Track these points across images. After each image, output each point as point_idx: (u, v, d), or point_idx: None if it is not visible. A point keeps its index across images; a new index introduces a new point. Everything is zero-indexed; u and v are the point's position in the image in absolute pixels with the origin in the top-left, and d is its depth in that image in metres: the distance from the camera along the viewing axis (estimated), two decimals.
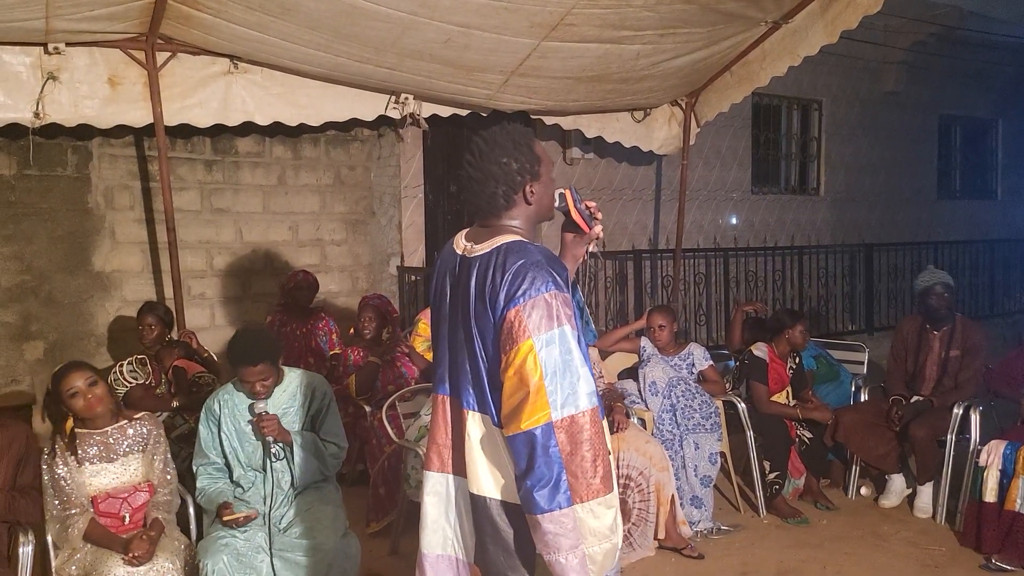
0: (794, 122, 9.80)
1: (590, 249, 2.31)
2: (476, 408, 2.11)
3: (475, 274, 2.09)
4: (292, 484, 3.44)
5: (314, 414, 3.51)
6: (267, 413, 3.34)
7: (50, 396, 3.36)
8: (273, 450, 3.34)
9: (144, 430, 3.38)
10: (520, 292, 1.98)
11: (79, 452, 3.25)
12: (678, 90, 6.45)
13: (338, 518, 3.40)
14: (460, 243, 2.22)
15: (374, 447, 4.69)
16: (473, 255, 2.13)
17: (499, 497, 2.09)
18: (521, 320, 1.96)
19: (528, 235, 2.16)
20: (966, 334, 5.03)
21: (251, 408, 3.35)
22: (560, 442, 1.94)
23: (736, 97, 6.31)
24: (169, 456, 3.45)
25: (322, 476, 3.50)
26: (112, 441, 3.32)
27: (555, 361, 1.95)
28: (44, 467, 3.23)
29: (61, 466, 3.21)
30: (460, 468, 2.16)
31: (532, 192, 2.15)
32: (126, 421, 3.38)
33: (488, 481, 2.10)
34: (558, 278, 2.03)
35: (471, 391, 2.12)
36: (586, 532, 1.97)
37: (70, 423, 3.27)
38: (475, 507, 2.13)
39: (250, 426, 3.42)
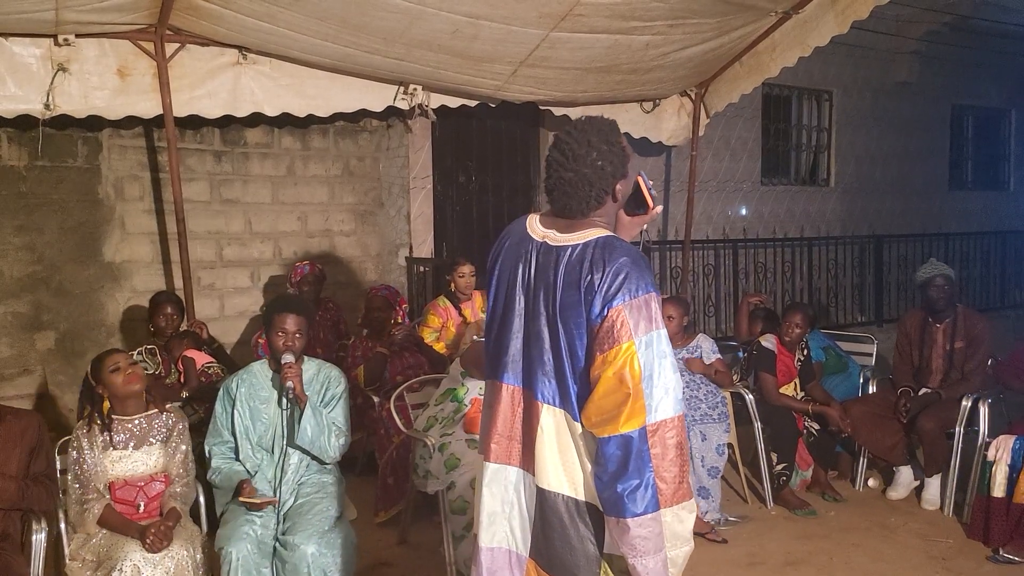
0: (804, 112, 9.72)
1: (644, 228, 2.31)
2: (554, 403, 2.06)
3: (564, 264, 2.04)
4: (288, 446, 3.43)
5: (327, 401, 3.54)
6: (293, 363, 3.38)
7: (87, 382, 3.51)
8: (290, 396, 3.33)
9: (170, 422, 3.46)
10: (622, 291, 1.95)
11: (111, 436, 3.31)
12: (687, 81, 6.42)
13: (328, 512, 3.36)
14: (537, 229, 2.16)
15: (382, 437, 4.71)
16: (560, 244, 2.08)
17: (570, 494, 2.06)
18: (624, 320, 1.94)
19: (612, 228, 2.15)
20: (969, 324, 5.01)
21: (280, 358, 3.39)
22: (653, 445, 1.92)
23: (746, 88, 6.28)
24: (190, 450, 3.50)
25: (324, 455, 3.49)
26: (139, 430, 3.39)
27: (652, 364, 1.94)
28: (72, 449, 3.29)
29: (87, 450, 3.27)
30: (526, 461, 2.12)
31: (619, 189, 2.14)
32: (155, 411, 3.45)
33: (559, 477, 2.07)
34: (653, 278, 2.01)
35: (549, 384, 2.06)
36: (669, 535, 1.96)
37: (106, 405, 3.35)
38: (542, 502, 2.09)
39: (264, 405, 3.48)
